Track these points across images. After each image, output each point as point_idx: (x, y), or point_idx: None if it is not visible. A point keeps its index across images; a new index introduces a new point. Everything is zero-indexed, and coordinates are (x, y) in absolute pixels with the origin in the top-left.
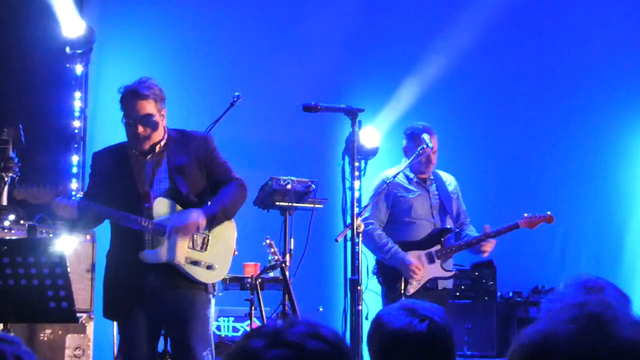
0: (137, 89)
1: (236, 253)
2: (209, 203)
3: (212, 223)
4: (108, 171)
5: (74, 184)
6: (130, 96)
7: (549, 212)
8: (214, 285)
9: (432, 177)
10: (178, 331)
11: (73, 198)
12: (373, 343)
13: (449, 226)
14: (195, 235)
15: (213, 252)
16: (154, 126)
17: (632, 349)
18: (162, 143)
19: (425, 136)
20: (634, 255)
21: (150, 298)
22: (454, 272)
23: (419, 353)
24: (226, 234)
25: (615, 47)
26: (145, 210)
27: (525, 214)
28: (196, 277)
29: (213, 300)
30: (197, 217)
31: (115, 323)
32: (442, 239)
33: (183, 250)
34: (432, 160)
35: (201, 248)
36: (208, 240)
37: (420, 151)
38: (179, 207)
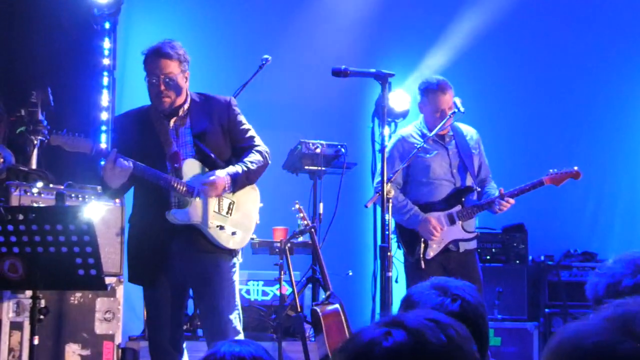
0: (161, 47)
1: (258, 222)
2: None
3: (235, 184)
4: (132, 133)
5: (102, 145)
6: (154, 55)
7: (575, 167)
8: (237, 250)
9: (451, 132)
10: (204, 294)
11: (129, 159)
12: None
13: (469, 185)
14: (221, 200)
15: (237, 218)
16: (177, 86)
17: None
18: (186, 107)
19: (457, 100)
20: None
21: (175, 261)
22: (476, 234)
23: None
24: (250, 201)
25: None
26: (175, 171)
27: (551, 170)
28: (221, 242)
29: (238, 266)
30: (223, 176)
31: None
32: (463, 199)
33: (210, 213)
34: (451, 119)
35: (227, 213)
36: (233, 205)
37: (451, 116)
38: (207, 170)
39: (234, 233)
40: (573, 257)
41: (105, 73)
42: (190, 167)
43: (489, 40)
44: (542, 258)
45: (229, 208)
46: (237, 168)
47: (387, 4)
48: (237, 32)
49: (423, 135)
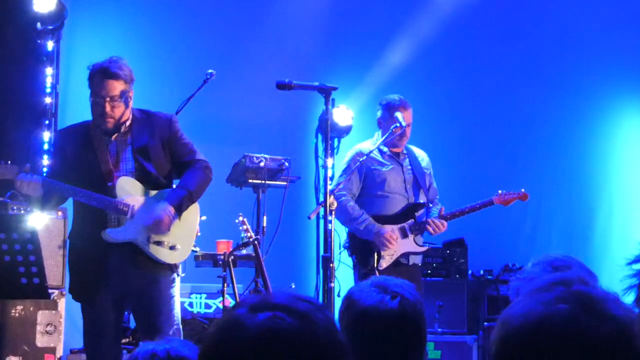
0: (109, 67)
1: (199, 234)
2: (174, 187)
3: (181, 210)
4: (71, 149)
5: (45, 161)
6: (101, 75)
7: (522, 190)
8: (177, 265)
9: (405, 151)
10: (144, 311)
11: (37, 175)
12: (344, 320)
13: (422, 201)
14: None
15: (176, 233)
16: (122, 106)
17: (627, 326)
18: (128, 123)
19: (399, 114)
20: (604, 234)
21: (115, 277)
22: (426, 248)
23: (391, 330)
24: (189, 215)
25: (592, 28)
26: (108, 189)
27: (500, 191)
28: (159, 258)
29: (178, 280)
30: (166, 210)
31: None
32: (416, 214)
33: (147, 230)
34: (406, 134)
35: None
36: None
37: (394, 129)
38: (143, 187)
39: (172, 247)
40: (512, 272)
41: (49, 89)
42: (125, 185)
43: (431, 57)
44: (482, 272)
45: None
46: (179, 193)
47: (330, 20)
48: (181, 46)
49: (380, 150)
